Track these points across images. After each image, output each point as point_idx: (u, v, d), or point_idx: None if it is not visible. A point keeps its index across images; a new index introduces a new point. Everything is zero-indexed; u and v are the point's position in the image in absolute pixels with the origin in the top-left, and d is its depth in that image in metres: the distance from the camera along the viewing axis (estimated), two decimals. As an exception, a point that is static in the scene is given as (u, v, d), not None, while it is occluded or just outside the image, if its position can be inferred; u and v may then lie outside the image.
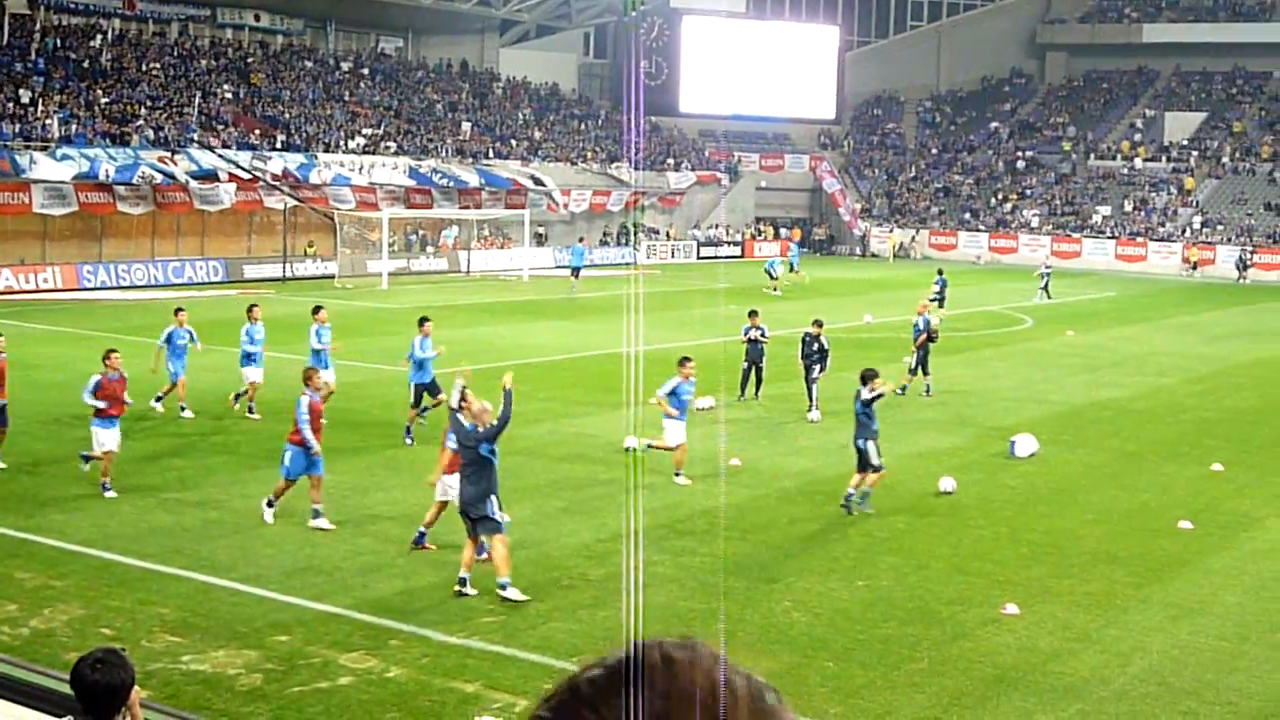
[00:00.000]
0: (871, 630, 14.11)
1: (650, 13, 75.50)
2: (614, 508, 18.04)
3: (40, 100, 51.21)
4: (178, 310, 25.10)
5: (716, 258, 70.19)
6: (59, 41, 56.05)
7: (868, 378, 18.99)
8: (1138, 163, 78.22)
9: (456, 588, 14.81)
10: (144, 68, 57.51)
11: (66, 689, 6.18)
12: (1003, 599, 15.08)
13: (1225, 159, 76.81)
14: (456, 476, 15.48)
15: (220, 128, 55.62)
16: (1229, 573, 16.71)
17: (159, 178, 49.51)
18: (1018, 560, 16.88)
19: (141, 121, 52.66)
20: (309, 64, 66.04)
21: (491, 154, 64.96)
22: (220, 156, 52.60)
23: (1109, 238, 72.16)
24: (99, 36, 58.20)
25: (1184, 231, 71.51)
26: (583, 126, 74.09)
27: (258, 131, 56.86)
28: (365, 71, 68.13)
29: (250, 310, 25.09)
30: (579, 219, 66.93)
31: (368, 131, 61.37)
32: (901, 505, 19.23)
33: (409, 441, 22.19)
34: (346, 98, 64.43)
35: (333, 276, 52.46)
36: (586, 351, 33.24)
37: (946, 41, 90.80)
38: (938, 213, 78.61)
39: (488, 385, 17.76)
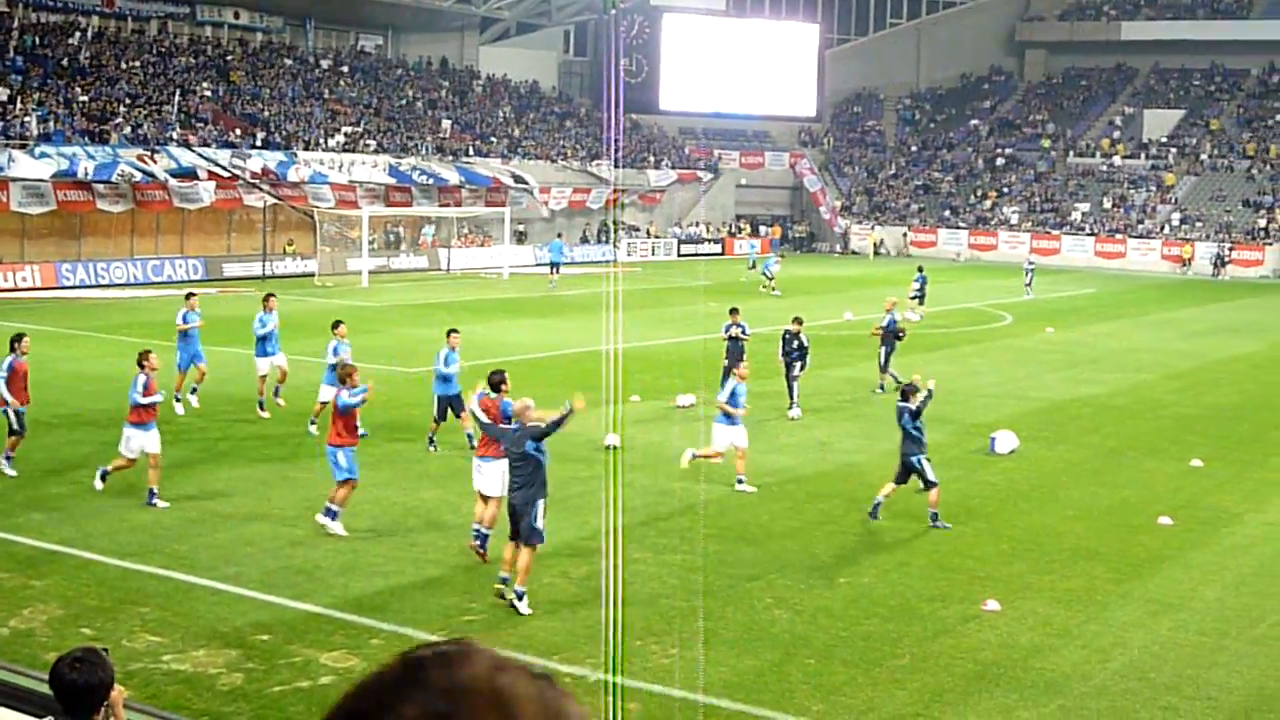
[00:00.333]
0: (853, 627, 14.13)
1: (630, 10, 75.60)
2: (594, 506, 18.02)
3: (18, 98, 50.93)
4: (189, 295, 25.08)
5: (697, 255, 70.30)
6: (37, 39, 55.76)
7: (908, 393, 18.56)
8: (1117, 160, 78.52)
9: (497, 587, 14.69)
10: (123, 65, 57.26)
11: (46, 689, 6.16)
12: (984, 595, 15.12)
13: (1204, 156, 77.13)
14: (483, 460, 15.87)
15: (199, 125, 55.41)
16: (1209, 568, 16.78)
17: (138, 176, 49.31)
18: (998, 557, 16.92)
19: (120, 119, 52.41)
20: (288, 62, 65.85)
21: (472, 151, 64.89)
22: (199, 154, 52.40)
23: (1088, 235, 72.44)
24: (78, 34, 57.93)
25: (1163, 228, 71.82)
26: (563, 124, 74.05)
27: (237, 129, 56.67)
28: (345, 69, 68.00)
29: (266, 300, 25.04)
30: (559, 216, 66.93)
31: (347, 129, 61.23)
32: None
33: (433, 449, 21.83)
34: (326, 95, 64.28)
35: (313, 275, 52.35)
36: (566, 349, 33.19)
37: (926, 39, 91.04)
38: (918, 210, 78.79)
39: (476, 384, 17.65)
